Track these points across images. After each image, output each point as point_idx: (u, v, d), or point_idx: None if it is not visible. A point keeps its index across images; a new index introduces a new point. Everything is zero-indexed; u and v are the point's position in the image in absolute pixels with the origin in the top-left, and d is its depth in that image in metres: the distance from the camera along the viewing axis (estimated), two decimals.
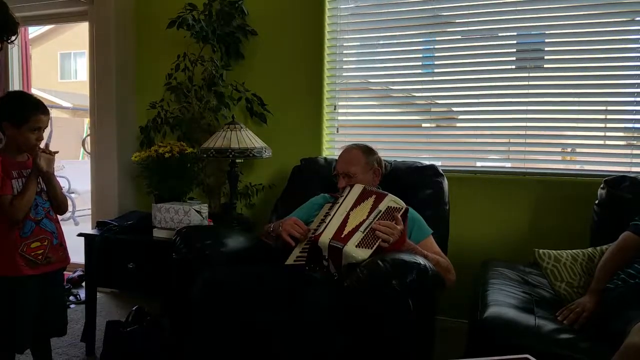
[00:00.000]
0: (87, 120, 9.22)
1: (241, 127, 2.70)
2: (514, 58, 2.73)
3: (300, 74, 2.98)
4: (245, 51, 3.05)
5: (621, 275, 1.70)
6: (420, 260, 1.68)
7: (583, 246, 2.06)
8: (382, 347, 1.61)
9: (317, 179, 2.53)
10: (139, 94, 3.36)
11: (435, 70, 2.86)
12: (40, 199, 1.91)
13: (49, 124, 1.97)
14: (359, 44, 3.00)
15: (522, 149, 2.71)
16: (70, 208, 6.12)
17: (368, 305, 1.60)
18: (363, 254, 1.76)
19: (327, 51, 2.95)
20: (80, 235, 2.56)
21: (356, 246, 1.78)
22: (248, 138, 2.66)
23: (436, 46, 2.84)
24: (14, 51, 4.17)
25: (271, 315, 1.76)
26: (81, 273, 3.45)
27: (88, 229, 2.77)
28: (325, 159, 2.69)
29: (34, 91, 2.66)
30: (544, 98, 2.64)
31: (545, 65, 2.69)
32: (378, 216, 1.87)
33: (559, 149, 2.74)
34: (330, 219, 1.94)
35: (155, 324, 2.46)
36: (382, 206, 1.91)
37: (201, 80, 3.03)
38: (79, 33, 12.26)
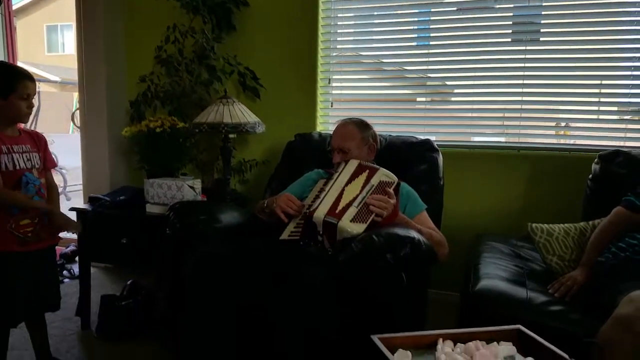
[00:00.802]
0: (76, 94, 9.10)
1: (234, 102, 2.66)
2: (510, 31, 2.70)
3: (294, 47, 2.94)
4: (237, 23, 2.99)
5: (612, 249, 1.72)
6: (414, 235, 1.69)
7: (576, 220, 2.08)
8: (375, 320, 1.63)
9: (311, 155, 2.52)
10: (129, 67, 3.30)
11: (431, 43, 2.83)
12: (31, 176, 1.88)
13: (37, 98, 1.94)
14: (353, 15, 2.96)
15: (517, 123, 2.70)
16: (61, 183, 6.08)
17: (362, 279, 1.61)
18: (358, 228, 1.76)
19: (321, 23, 2.91)
20: (72, 210, 2.54)
21: (350, 221, 1.78)
22: (241, 113, 2.63)
23: (431, 18, 2.80)
24: None
25: (265, 290, 1.77)
26: (74, 248, 3.45)
27: (80, 203, 2.74)
28: (319, 134, 2.68)
29: (20, 64, 2.60)
30: (539, 72, 2.63)
31: (541, 39, 2.67)
32: (371, 190, 1.87)
33: (553, 124, 2.74)
34: (325, 195, 1.94)
35: (149, 298, 2.48)
36: (374, 180, 1.91)
37: (192, 52, 2.99)
38: (65, 4, 12.00)
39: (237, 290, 1.76)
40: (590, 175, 2.25)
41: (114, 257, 2.59)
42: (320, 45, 2.93)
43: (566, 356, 1.15)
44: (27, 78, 1.83)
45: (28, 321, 2.02)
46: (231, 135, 2.71)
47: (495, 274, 1.77)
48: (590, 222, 1.99)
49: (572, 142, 2.70)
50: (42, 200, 1.92)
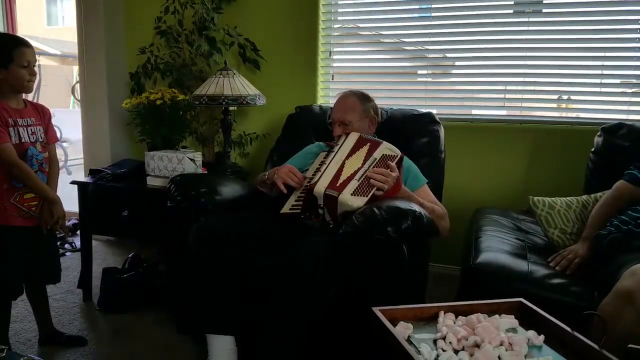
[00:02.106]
0: (75, 68, 9.01)
1: (234, 74, 2.63)
2: (512, 2, 2.64)
3: (295, 19, 2.89)
4: None
5: (614, 222, 1.71)
6: (416, 208, 1.68)
7: (578, 194, 2.07)
8: (376, 293, 1.64)
9: (312, 127, 2.50)
10: (127, 39, 3.25)
11: (432, 15, 2.78)
12: (35, 150, 1.87)
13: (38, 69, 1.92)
14: None
15: (519, 96, 2.67)
16: (62, 157, 6.07)
17: (363, 252, 1.61)
18: (358, 202, 1.75)
19: None
20: (73, 183, 2.54)
21: (351, 194, 1.78)
22: (241, 85, 2.60)
23: None
24: None
25: (267, 261, 1.78)
26: (75, 221, 3.46)
27: (81, 177, 2.74)
28: (320, 106, 2.65)
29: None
30: (541, 44, 2.59)
31: (543, 10, 2.61)
32: (373, 164, 1.86)
33: (555, 97, 2.71)
34: (326, 168, 1.92)
35: (151, 270, 2.50)
36: (377, 154, 1.89)
37: (192, 24, 2.94)
38: None
39: (238, 260, 1.77)
40: (593, 149, 2.23)
41: (115, 229, 2.60)
42: (321, 17, 2.88)
43: (568, 329, 1.15)
44: (24, 45, 1.81)
45: (29, 294, 2.03)
46: (231, 108, 2.68)
47: (496, 247, 1.77)
48: (593, 196, 1.99)
49: (574, 115, 2.68)
50: (44, 176, 1.91)
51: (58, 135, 2.07)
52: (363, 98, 2.16)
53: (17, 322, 2.21)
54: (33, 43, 1.88)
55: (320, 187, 1.84)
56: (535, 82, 2.64)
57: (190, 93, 2.76)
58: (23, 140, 1.84)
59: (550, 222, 1.97)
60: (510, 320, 1.24)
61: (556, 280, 1.59)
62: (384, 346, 1.17)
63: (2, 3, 4.12)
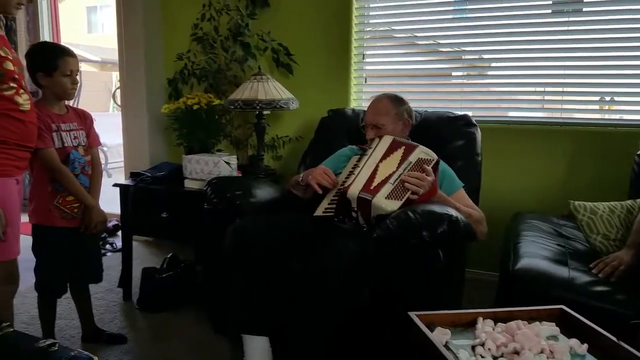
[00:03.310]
0: (115, 74, 9.26)
1: (268, 78, 2.66)
2: (551, 2, 2.59)
3: (328, 22, 2.90)
4: None
5: None
6: (452, 212, 1.65)
7: (621, 199, 2.00)
8: (411, 298, 1.62)
9: (344, 131, 2.50)
10: (165, 46, 3.33)
11: (467, 16, 2.74)
12: (77, 153, 1.93)
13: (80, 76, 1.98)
14: None
15: (559, 98, 2.61)
16: (102, 160, 6.24)
17: (397, 256, 1.60)
18: (392, 205, 1.74)
19: None
20: (115, 185, 2.61)
21: (385, 198, 1.76)
22: (275, 89, 2.62)
23: None
24: (42, 4, 4.18)
25: (300, 263, 1.79)
26: (116, 222, 3.56)
27: (120, 179, 2.81)
28: (353, 110, 2.65)
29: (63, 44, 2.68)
30: (582, 44, 2.52)
31: (584, 9, 2.55)
32: (408, 168, 1.84)
33: (597, 98, 2.63)
34: (359, 171, 1.92)
35: (188, 270, 2.54)
36: (413, 157, 1.87)
37: (227, 30, 2.98)
38: None
39: (273, 262, 1.78)
40: (638, 151, 2.15)
41: (155, 230, 2.65)
42: (354, 20, 2.88)
43: (613, 338, 1.11)
44: (68, 54, 1.87)
45: (73, 292, 2.10)
46: (265, 112, 2.71)
47: (536, 252, 1.73)
48: (638, 200, 1.92)
49: (617, 117, 2.59)
50: (86, 179, 1.96)
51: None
52: (396, 101, 2.15)
53: (61, 320, 2.29)
54: (75, 50, 1.94)
55: (354, 190, 1.83)
56: (575, 83, 2.57)
57: (225, 98, 2.80)
58: (65, 145, 1.89)
59: (592, 228, 1.91)
60: (551, 328, 1.21)
61: (599, 288, 1.54)
62: (421, 352, 1.15)
63: (47, 13, 4.28)
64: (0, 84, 1.55)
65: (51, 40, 4.19)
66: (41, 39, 4.16)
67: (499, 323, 1.22)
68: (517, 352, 1.08)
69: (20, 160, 1.67)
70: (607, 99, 2.64)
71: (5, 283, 1.67)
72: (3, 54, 1.56)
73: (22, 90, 1.62)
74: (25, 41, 4.13)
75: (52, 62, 1.83)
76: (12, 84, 1.58)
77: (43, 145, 1.79)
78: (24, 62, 1.83)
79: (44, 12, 4.23)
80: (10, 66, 1.58)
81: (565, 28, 2.53)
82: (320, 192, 1.93)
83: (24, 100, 1.63)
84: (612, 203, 1.95)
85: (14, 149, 1.63)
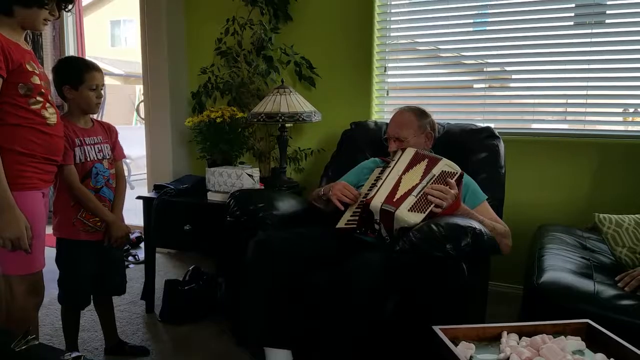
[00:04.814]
0: (138, 87, 9.44)
1: (290, 91, 2.69)
2: (573, 14, 2.57)
3: (350, 36, 2.93)
4: (294, 13, 3.02)
5: None
6: (476, 225, 1.65)
7: None
8: (434, 311, 1.61)
9: (367, 143, 2.51)
10: (189, 60, 3.39)
11: (488, 28, 2.74)
12: (101, 166, 1.96)
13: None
14: (408, 2, 2.90)
15: (582, 110, 2.59)
16: (125, 173, 6.35)
17: (421, 269, 1.60)
18: (415, 218, 1.75)
19: (377, 10, 2.88)
20: (138, 198, 2.65)
21: (408, 210, 1.77)
22: (297, 102, 2.66)
23: (489, 2, 2.71)
24: (68, 19, 4.29)
25: (323, 276, 1.79)
26: (139, 234, 3.61)
27: (143, 192, 2.85)
28: (375, 122, 2.66)
29: (88, 58, 2.75)
30: (605, 56, 2.50)
31: (607, 21, 2.53)
32: (431, 180, 1.85)
33: (620, 110, 2.60)
34: (382, 183, 1.93)
35: (211, 282, 2.56)
36: (436, 170, 1.88)
37: (250, 44, 3.03)
38: (128, 0, 12.42)
39: (296, 275, 1.79)
40: None
41: (178, 243, 2.66)
42: (376, 33, 2.91)
43: None
44: (94, 69, 1.92)
45: (96, 304, 2.13)
46: (287, 125, 2.74)
47: (560, 265, 1.71)
48: None
49: None
50: (110, 192, 2.00)
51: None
52: (419, 114, 2.16)
53: (84, 332, 2.32)
54: (98, 63, 1.99)
55: (377, 202, 1.84)
56: (598, 94, 2.55)
57: (249, 111, 2.84)
58: (89, 159, 1.92)
59: (617, 241, 1.88)
60: (577, 342, 1.19)
61: (625, 302, 1.51)
62: None
63: (73, 27, 4.40)
64: (28, 98, 1.59)
65: (76, 54, 4.31)
66: (66, 53, 4.27)
67: (524, 337, 1.21)
68: None
69: (47, 174, 1.70)
70: (631, 110, 2.61)
71: (30, 295, 1.68)
72: (30, 69, 1.59)
73: (48, 104, 1.66)
74: (51, 55, 4.25)
75: (79, 76, 1.88)
76: (39, 98, 1.62)
77: (63, 161, 1.81)
78: (50, 77, 1.87)
79: (69, 27, 4.35)
80: (37, 80, 1.61)
81: (588, 40, 2.52)
82: (342, 208, 1.94)
83: (50, 114, 1.66)
84: (638, 216, 1.92)
85: (41, 162, 1.65)
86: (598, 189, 2.49)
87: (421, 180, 1.85)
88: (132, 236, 3.61)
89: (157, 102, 3.35)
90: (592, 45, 2.52)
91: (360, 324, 1.62)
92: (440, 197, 1.76)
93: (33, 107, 1.61)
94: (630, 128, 2.59)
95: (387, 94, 2.97)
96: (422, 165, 1.92)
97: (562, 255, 1.84)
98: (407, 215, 1.76)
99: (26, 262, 1.64)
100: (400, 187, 1.87)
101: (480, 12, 2.76)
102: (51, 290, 1.95)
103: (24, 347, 1.28)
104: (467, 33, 2.79)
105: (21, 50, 1.58)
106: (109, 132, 2.07)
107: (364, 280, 1.64)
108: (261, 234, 1.92)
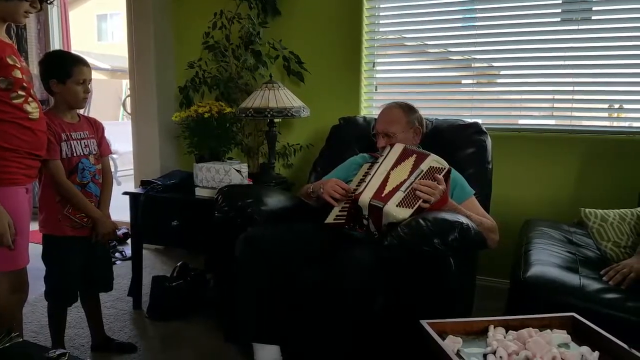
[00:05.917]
0: (125, 82, 9.35)
1: (279, 86, 2.68)
2: (560, 10, 2.59)
3: (338, 31, 2.92)
4: (282, 7, 3.00)
5: None
6: (463, 220, 1.66)
7: (632, 206, 2.00)
8: (422, 305, 1.62)
9: (355, 139, 2.51)
10: (177, 54, 3.37)
11: (476, 24, 2.75)
12: (87, 162, 1.94)
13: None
14: None
15: (569, 105, 2.61)
16: (112, 168, 6.29)
17: (409, 264, 1.60)
18: (404, 213, 1.75)
19: (365, 6, 2.87)
20: (125, 193, 2.63)
21: (397, 205, 1.78)
22: (286, 97, 2.65)
23: None
24: (53, 13, 4.23)
25: (312, 272, 1.80)
26: (126, 230, 3.58)
27: (130, 188, 2.83)
28: (364, 118, 2.66)
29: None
30: (591, 52, 2.53)
31: (593, 17, 2.55)
32: (419, 176, 1.85)
33: (606, 105, 2.63)
34: (370, 179, 1.93)
35: (199, 279, 2.55)
36: (424, 166, 1.89)
37: (238, 38, 3.01)
38: None
39: (284, 271, 1.79)
40: None
41: (165, 239, 2.66)
42: (365, 29, 2.90)
43: (625, 345, 1.11)
44: (82, 63, 1.90)
45: (83, 301, 2.11)
46: (276, 120, 2.73)
47: (546, 260, 1.73)
48: None
49: (626, 124, 2.59)
50: (96, 187, 1.98)
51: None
52: (407, 109, 2.16)
53: (71, 328, 2.30)
54: (86, 58, 1.96)
55: (365, 197, 1.85)
56: (584, 90, 2.57)
57: (237, 106, 2.82)
58: (75, 154, 1.90)
59: (602, 235, 1.90)
60: (562, 336, 1.21)
61: (610, 295, 1.53)
62: None
63: (58, 21, 4.34)
64: (9, 92, 1.57)
65: (62, 48, 4.25)
66: (52, 47, 4.21)
67: (511, 331, 1.23)
68: None
69: (30, 169, 1.68)
70: (616, 106, 2.64)
71: (14, 292, 1.67)
72: (12, 63, 1.57)
73: (31, 99, 1.64)
74: (35, 49, 4.20)
75: (66, 70, 1.86)
76: (20, 92, 1.60)
77: (49, 156, 1.80)
78: (33, 71, 1.84)
79: (55, 21, 4.29)
80: (19, 74, 1.59)
81: (575, 36, 2.54)
82: (336, 205, 1.94)
83: (32, 109, 1.64)
84: (622, 210, 1.95)
85: (24, 157, 1.63)
86: (584, 184, 2.52)
87: (409, 175, 1.86)
88: (119, 232, 3.58)
89: (143, 97, 3.33)
90: (579, 41, 2.54)
91: (350, 320, 1.63)
92: (429, 193, 1.77)
93: (15, 101, 1.58)
94: (615, 124, 2.62)
95: (376, 90, 2.97)
96: (411, 161, 1.93)
97: (548, 249, 1.86)
98: (396, 210, 1.76)
99: (9, 259, 1.62)
100: (389, 183, 1.87)
101: (468, 7, 2.77)
102: (37, 287, 1.94)
103: (6, 345, 1.26)
104: (455, 29, 2.79)
105: (1, 44, 1.56)
106: (96, 128, 2.04)
107: (353, 276, 1.64)
108: (250, 230, 1.91)
